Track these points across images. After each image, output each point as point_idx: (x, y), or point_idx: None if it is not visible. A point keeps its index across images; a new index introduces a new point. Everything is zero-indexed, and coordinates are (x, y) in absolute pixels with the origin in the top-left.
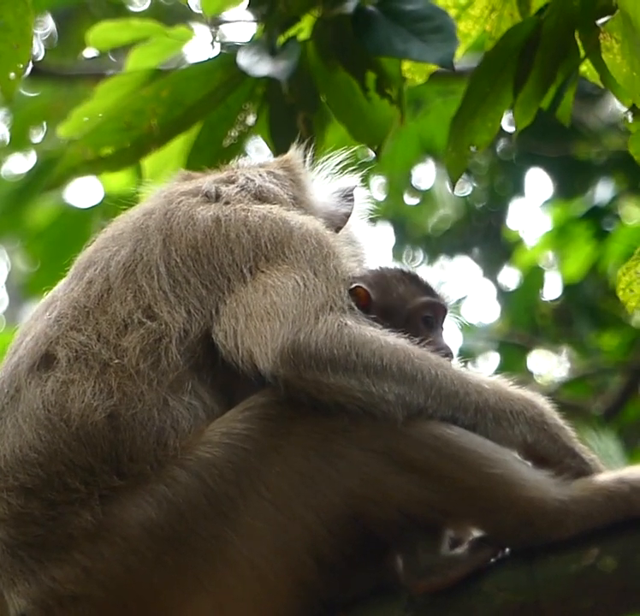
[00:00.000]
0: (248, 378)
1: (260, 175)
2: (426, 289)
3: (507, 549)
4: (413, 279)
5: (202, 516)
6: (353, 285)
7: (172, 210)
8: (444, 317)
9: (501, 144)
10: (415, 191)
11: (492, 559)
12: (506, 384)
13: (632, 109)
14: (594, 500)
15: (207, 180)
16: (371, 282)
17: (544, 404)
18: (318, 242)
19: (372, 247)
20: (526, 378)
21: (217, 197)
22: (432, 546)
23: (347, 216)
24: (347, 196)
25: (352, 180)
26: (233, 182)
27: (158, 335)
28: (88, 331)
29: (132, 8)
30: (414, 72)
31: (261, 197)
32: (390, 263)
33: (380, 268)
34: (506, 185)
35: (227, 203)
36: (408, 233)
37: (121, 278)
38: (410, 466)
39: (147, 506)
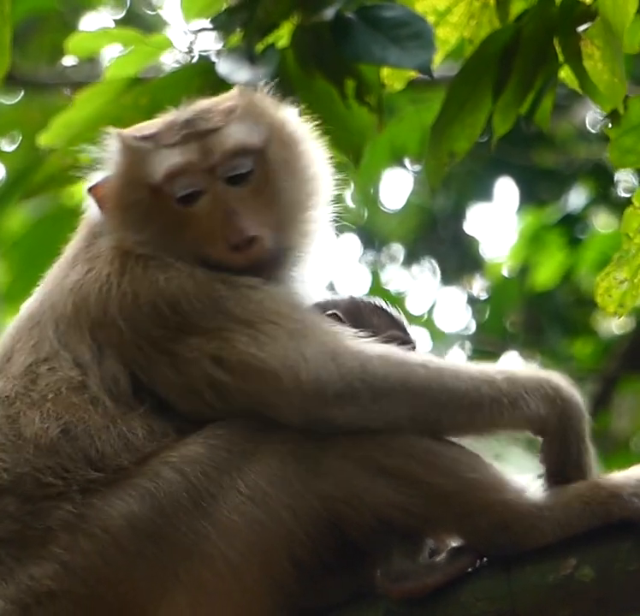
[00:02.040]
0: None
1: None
2: (398, 324)
3: (485, 558)
4: (385, 313)
5: (182, 511)
6: (328, 312)
7: (85, 277)
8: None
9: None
10: (385, 199)
11: (470, 569)
12: (518, 367)
13: (612, 115)
14: (570, 506)
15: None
16: (345, 310)
17: (561, 381)
18: (217, 302)
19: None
20: None
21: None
22: (409, 552)
23: None
24: None
25: None
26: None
27: (74, 382)
28: (10, 375)
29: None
30: (393, 78)
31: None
32: (362, 296)
33: (352, 297)
34: (468, 191)
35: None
36: (374, 240)
37: (28, 329)
38: (386, 471)
39: (129, 498)
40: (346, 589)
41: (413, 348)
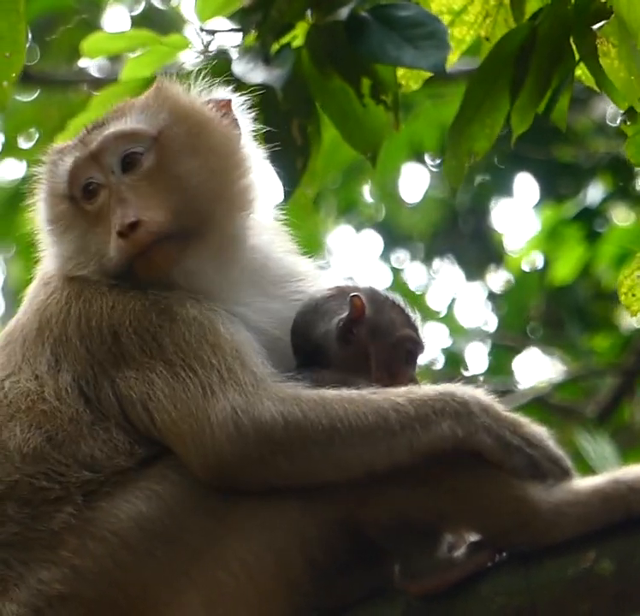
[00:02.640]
0: None
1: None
2: (412, 324)
3: (504, 553)
4: (403, 311)
5: (192, 512)
6: (351, 294)
7: (45, 302)
8: (418, 357)
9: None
10: (404, 195)
11: (489, 564)
12: (421, 389)
13: (629, 112)
14: (590, 501)
15: None
16: (367, 298)
17: (468, 393)
18: (138, 330)
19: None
20: (516, 380)
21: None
22: (428, 549)
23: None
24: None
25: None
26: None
27: (37, 396)
28: None
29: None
30: (409, 78)
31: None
32: (382, 289)
33: (373, 288)
34: (489, 186)
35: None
36: (395, 236)
37: (1, 349)
38: (403, 470)
39: (137, 500)
40: (363, 586)
41: (422, 351)
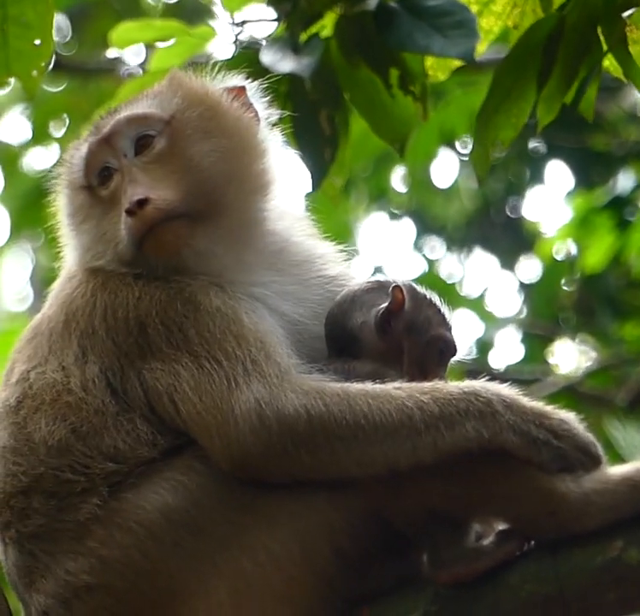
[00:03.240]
0: None
1: None
2: (446, 324)
3: (532, 542)
4: (439, 311)
5: (218, 502)
6: (394, 284)
7: (69, 296)
8: (451, 358)
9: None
10: (435, 183)
11: (517, 552)
12: (445, 387)
13: None
14: (618, 490)
15: None
16: (407, 293)
17: (491, 391)
18: (165, 322)
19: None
20: (548, 369)
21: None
22: (457, 538)
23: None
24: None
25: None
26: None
27: (63, 385)
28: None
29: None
30: (437, 68)
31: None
32: (421, 287)
33: (412, 285)
34: (522, 175)
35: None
36: (428, 225)
37: (27, 342)
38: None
39: (163, 491)
40: (391, 575)
41: (454, 353)
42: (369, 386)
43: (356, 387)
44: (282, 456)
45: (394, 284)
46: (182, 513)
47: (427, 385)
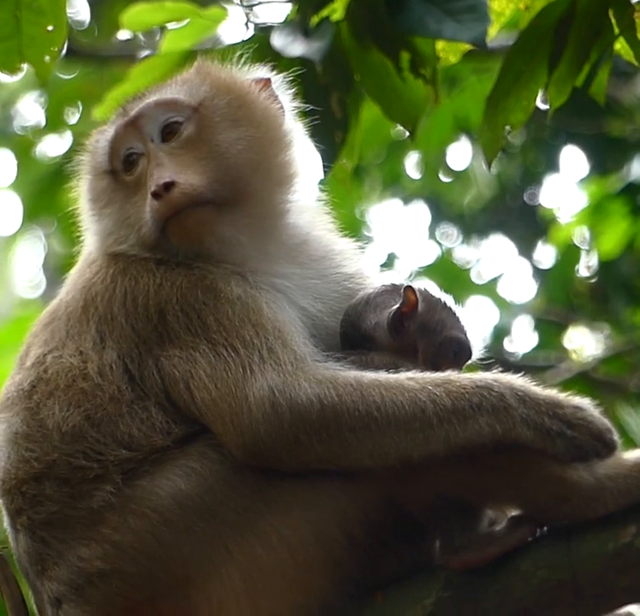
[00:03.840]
0: None
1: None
2: (460, 327)
3: (545, 528)
4: (455, 314)
5: (231, 489)
6: (406, 285)
7: (89, 280)
8: (466, 361)
9: (535, 121)
10: (450, 169)
11: (530, 538)
12: (457, 379)
13: None
14: (631, 475)
15: None
16: (421, 294)
17: (503, 385)
18: (185, 309)
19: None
20: (563, 355)
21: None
22: (469, 524)
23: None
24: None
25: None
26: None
27: (79, 370)
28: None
29: None
30: (448, 51)
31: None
32: (439, 290)
33: (427, 288)
34: (539, 162)
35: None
36: (443, 211)
37: (43, 326)
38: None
39: (176, 478)
40: (404, 561)
41: (469, 354)
42: (382, 376)
43: (369, 376)
44: (295, 444)
45: (406, 285)
46: (195, 499)
47: (440, 376)
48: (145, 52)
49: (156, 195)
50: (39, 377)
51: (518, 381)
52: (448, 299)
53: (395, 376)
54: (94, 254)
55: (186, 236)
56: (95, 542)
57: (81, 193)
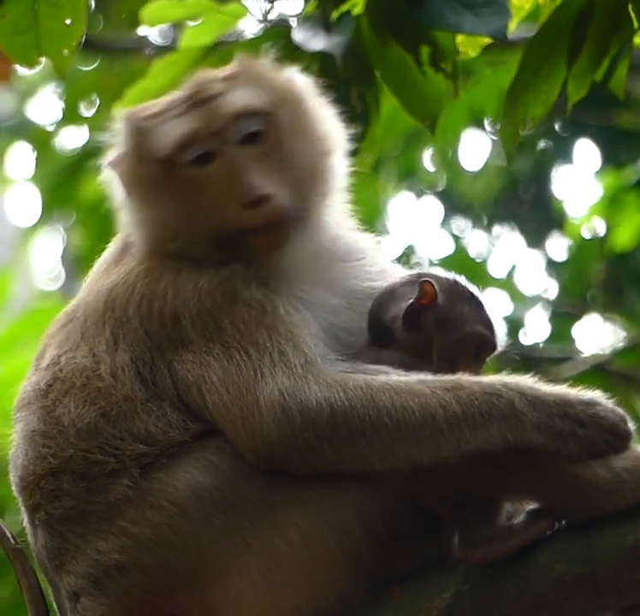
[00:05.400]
0: None
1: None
2: (488, 323)
3: (564, 521)
4: (480, 307)
5: (249, 482)
6: (423, 279)
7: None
8: (489, 355)
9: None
10: (464, 161)
11: (548, 532)
12: (467, 383)
13: None
14: None
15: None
16: (443, 287)
17: (512, 390)
18: (199, 313)
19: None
20: (576, 348)
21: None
22: (488, 517)
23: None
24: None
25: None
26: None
27: (89, 371)
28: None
29: None
30: (467, 45)
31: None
32: (466, 281)
33: (455, 279)
34: (550, 153)
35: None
36: (456, 203)
37: (61, 327)
38: None
39: (194, 470)
40: (422, 555)
41: (493, 350)
42: (393, 379)
43: (379, 380)
44: (305, 449)
45: (425, 277)
46: (213, 492)
47: (449, 381)
48: (155, 44)
49: (251, 206)
50: (55, 377)
51: (527, 382)
52: (475, 291)
53: (405, 379)
54: (124, 249)
55: (267, 248)
56: (113, 535)
57: (119, 175)
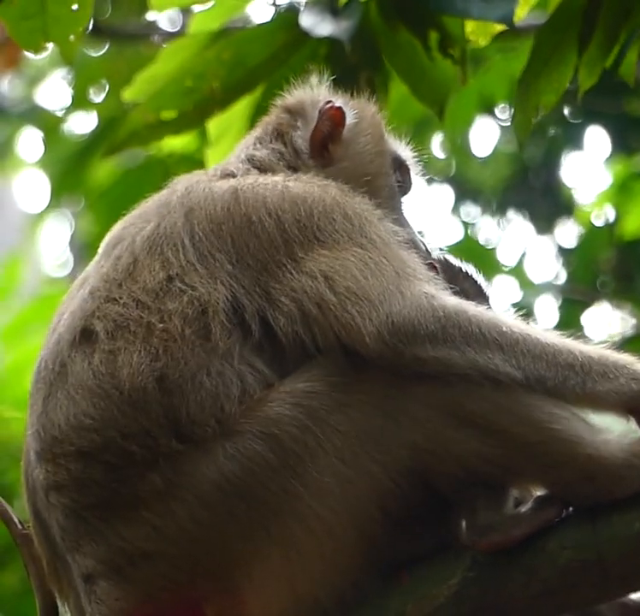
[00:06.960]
0: (308, 351)
1: (259, 143)
2: (484, 294)
3: (571, 508)
4: (476, 282)
5: (271, 471)
6: (427, 261)
7: (193, 186)
8: None
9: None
10: (474, 148)
11: (556, 519)
12: (603, 346)
13: None
14: None
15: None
16: (440, 266)
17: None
18: (344, 215)
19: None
20: (585, 335)
21: (232, 173)
22: (495, 504)
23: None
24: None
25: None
26: (239, 157)
27: (199, 305)
28: (123, 299)
29: None
30: (478, 34)
31: (264, 168)
32: (457, 259)
33: (447, 258)
34: (560, 140)
35: (239, 177)
36: (466, 190)
37: (146, 251)
38: (470, 420)
39: (218, 462)
40: (430, 542)
41: None
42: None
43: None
44: (433, 340)
45: (427, 260)
46: (236, 482)
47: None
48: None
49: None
50: (147, 307)
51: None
52: (469, 268)
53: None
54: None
55: None
56: (138, 525)
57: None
